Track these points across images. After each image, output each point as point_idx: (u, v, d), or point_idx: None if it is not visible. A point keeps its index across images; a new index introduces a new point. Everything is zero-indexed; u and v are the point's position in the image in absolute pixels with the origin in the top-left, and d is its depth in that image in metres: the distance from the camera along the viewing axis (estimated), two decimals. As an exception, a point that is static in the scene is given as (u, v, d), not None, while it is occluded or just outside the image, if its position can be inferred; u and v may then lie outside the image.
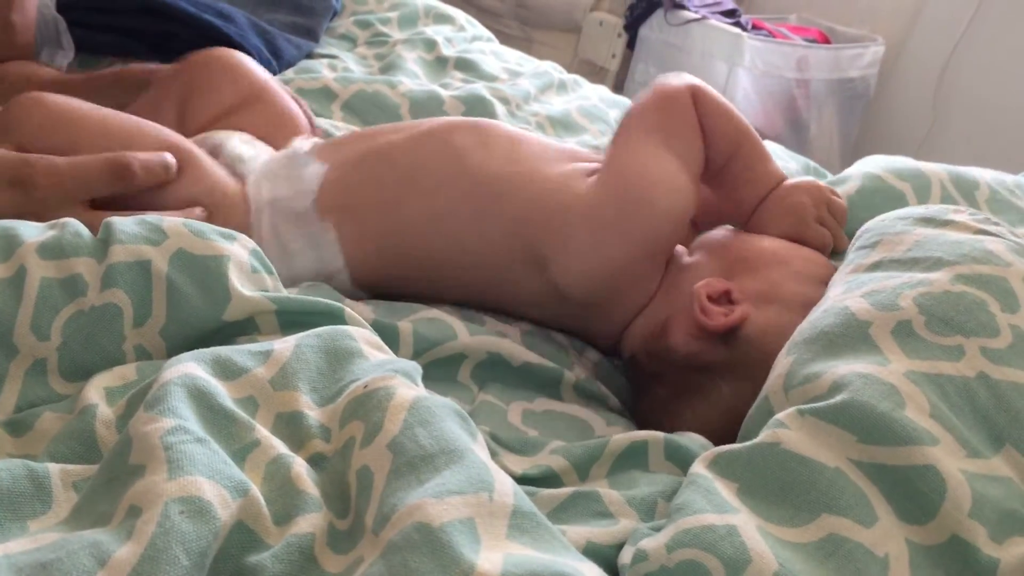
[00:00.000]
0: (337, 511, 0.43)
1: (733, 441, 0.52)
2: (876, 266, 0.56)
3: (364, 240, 0.69)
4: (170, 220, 0.56)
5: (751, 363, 0.61)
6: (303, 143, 0.75)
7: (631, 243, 0.66)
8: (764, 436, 0.47)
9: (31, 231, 0.54)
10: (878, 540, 0.42)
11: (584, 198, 0.66)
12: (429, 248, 0.69)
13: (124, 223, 0.55)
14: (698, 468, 0.48)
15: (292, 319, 0.55)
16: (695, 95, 0.71)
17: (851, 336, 0.50)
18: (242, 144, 0.76)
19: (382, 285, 0.70)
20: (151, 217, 0.56)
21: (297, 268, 0.68)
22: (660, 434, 0.56)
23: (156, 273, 0.53)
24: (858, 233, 0.63)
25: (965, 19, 2.16)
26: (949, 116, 2.24)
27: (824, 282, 0.64)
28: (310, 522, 0.42)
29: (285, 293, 0.57)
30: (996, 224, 0.57)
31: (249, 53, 0.98)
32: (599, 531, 0.47)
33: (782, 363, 0.53)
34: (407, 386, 0.47)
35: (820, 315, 0.54)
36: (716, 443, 0.56)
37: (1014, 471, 0.45)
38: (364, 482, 0.43)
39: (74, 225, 0.55)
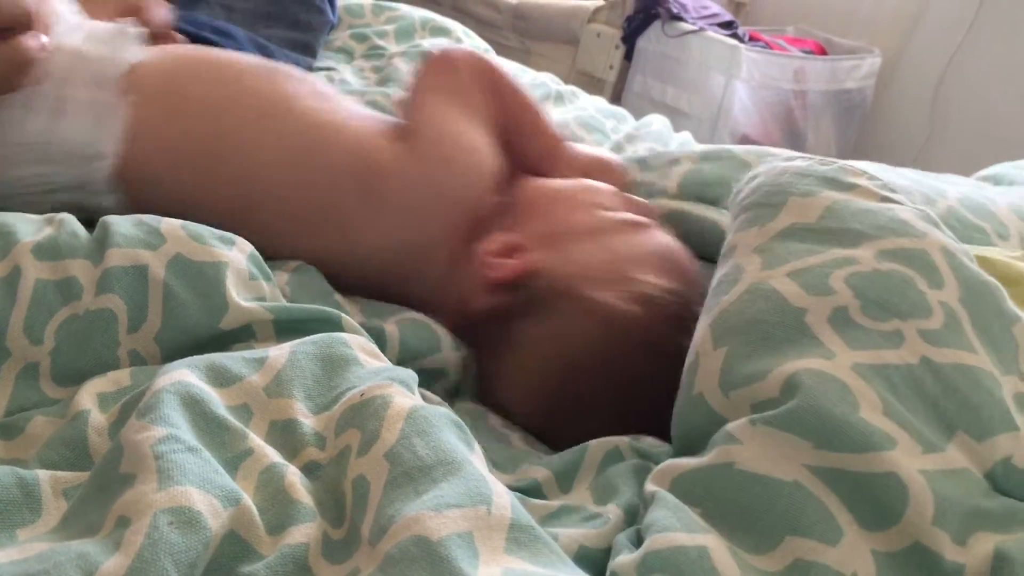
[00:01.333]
0: (331, 520, 0.43)
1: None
2: (789, 233, 0.54)
3: (164, 135, 0.64)
4: (168, 223, 0.55)
5: (552, 297, 0.62)
6: (134, 27, 0.69)
7: (442, 204, 0.66)
8: (717, 454, 0.46)
9: (27, 229, 0.53)
10: (845, 558, 0.41)
11: (394, 163, 0.67)
12: (244, 166, 0.65)
13: (122, 224, 0.54)
14: (658, 487, 0.47)
15: (289, 327, 0.54)
16: (480, 62, 0.75)
17: (787, 325, 0.49)
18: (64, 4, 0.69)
19: (154, 189, 0.63)
20: (149, 219, 0.55)
21: (62, 132, 0.61)
22: (626, 439, 0.56)
23: (153, 278, 0.52)
24: (750, 180, 0.61)
25: (962, 30, 2.17)
26: (946, 127, 2.24)
27: (609, 205, 0.68)
28: (304, 532, 0.41)
29: (282, 301, 0.56)
30: (893, 191, 0.57)
31: (247, 68, 0.98)
32: (591, 533, 0.47)
33: (712, 355, 0.51)
34: (404, 395, 0.47)
35: (745, 297, 0.52)
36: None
37: (968, 458, 0.44)
38: (360, 491, 0.42)
39: (71, 224, 0.54)
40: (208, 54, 0.72)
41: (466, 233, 0.68)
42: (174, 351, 0.52)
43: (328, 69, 1.14)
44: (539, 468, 0.54)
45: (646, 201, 0.73)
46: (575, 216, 0.67)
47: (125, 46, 0.66)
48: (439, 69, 0.75)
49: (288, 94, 0.69)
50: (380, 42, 1.24)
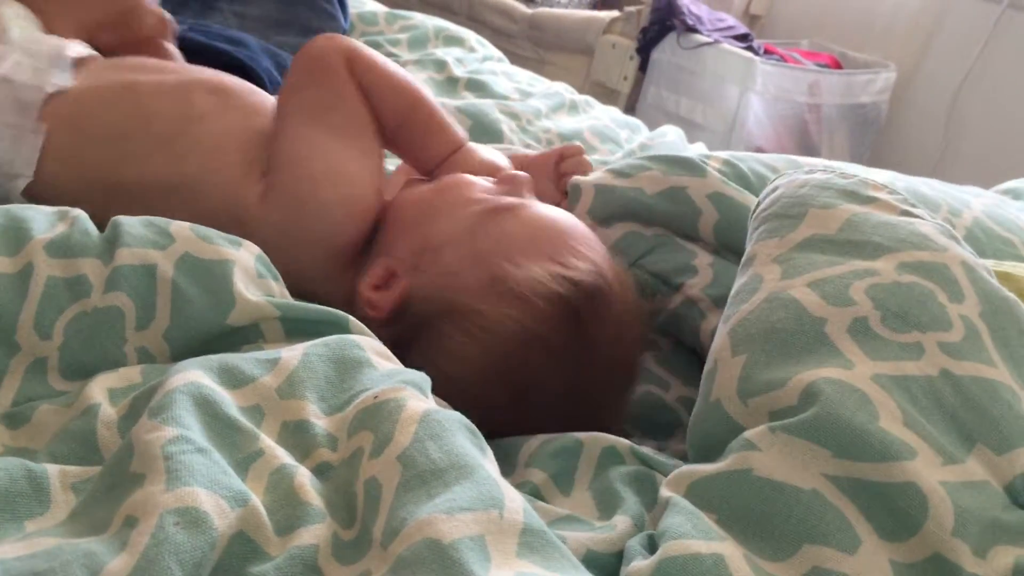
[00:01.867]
0: (342, 520, 0.43)
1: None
2: (809, 244, 0.54)
3: (73, 160, 0.65)
4: (177, 224, 0.55)
5: (432, 319, 0.60)
6: (79, 48, 0.70)
7: (303, 248, 0.63)
8: (734, 460, 0.45)
9: (42, 224, 0.54)
10: (863, 567, 0.41)
11: (257, 207, 0.64)
12: (142, 193, 0.64)
13: (131, 224, 0.54)
14: (674, 493, 0.46)
15: (297, 327, 0.54)
16: (350, 61, 0.68)
17: (806, 334, 0.49)
18: (14, 16, 0.69)
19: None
20: (159, 220, 0.55)
21: None
22: (626, 441, 0.55)
23: (161, 277, 0.52)
24: (769, 192, 0.61)
25: (978, 46, 2.16)
26: (961, 142, 2.24)
27: (474, 197, 0.64)
28: (313, 533, 0.41)
29: (290, 300, 0.56)
30: (913, 205, 0.57)
31: (260, 75, 0.98)
32: (599, 537, 0.46)
33: (731, 362, 0.50)
34: (417, 398, 0.47)
35: (764, 306, 0.51)
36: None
37: (988, 471, 0.44)
38: (372, 493, 0.42)
39: (83, 223, 0.55)
40: (126, 79, 0.70)
41: (349, 265, 0.65)
42: (183, 349, 0.52)
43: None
44: (534, 471, 0.54)
45: (520, 173, 0.68)
46: (437, 225, 0.64)
47: (52, 73, 0.67)
48: (309, 70, 0.68)
49: (196, 115, 0.67)
50: (393, 50, 1.24)
